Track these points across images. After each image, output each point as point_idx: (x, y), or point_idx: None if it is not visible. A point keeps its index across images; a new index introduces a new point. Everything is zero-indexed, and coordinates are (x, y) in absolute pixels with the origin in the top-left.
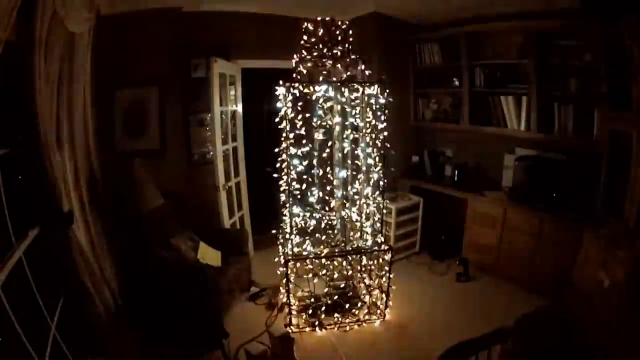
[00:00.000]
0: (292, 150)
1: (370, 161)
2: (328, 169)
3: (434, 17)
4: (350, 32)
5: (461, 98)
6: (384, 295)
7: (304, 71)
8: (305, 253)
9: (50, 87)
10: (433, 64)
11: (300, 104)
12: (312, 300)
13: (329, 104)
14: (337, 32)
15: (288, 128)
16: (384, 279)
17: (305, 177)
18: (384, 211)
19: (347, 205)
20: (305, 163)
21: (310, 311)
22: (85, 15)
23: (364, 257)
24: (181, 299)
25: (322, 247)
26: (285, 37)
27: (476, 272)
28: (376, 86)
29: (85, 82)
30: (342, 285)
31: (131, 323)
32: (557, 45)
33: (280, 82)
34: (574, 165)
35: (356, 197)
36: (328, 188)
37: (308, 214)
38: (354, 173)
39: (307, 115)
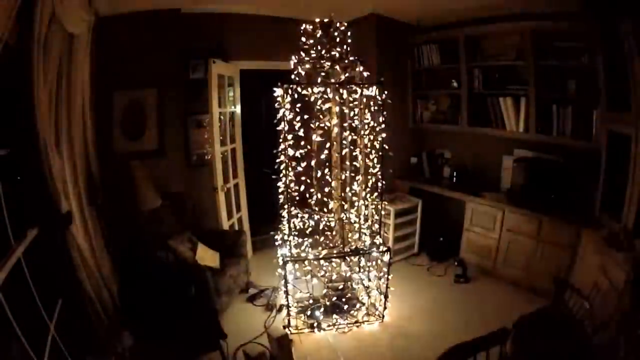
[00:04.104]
0: (291, 152)
1: (368, 163)
2: (326, 170)
3: (433, 19)
4: (349, 33)
5: (460, 99)
6: (382, 296)
7: (303, 72)
8: (303, 254)
9: (49, 88)
10: (432, 65)
11: (298, 105)
12: (311, 301)
13: (327, 105)
14: (336, 34)
15: (286, 129)
16: (382, 280)
17: (303, 178)
18: (383, 213)
19: (346, 206)
20: (303, 164)
21: (309, 312)
22: (83, 16)
23: (362, 258)
24: (180, 300)
25: (320, 248)
26: (283, 38)
27: (475, 273)
28: (374, 87)
29: (84, 83)
30: (341, 287)
31: (129, 324)
32: (555, 47)
33: (279, 84)
34: (572, 167)
35: (354, 198)
36: (326, 189)
37: (306, 215)
38: (352, 174)
39: (306, 116)
